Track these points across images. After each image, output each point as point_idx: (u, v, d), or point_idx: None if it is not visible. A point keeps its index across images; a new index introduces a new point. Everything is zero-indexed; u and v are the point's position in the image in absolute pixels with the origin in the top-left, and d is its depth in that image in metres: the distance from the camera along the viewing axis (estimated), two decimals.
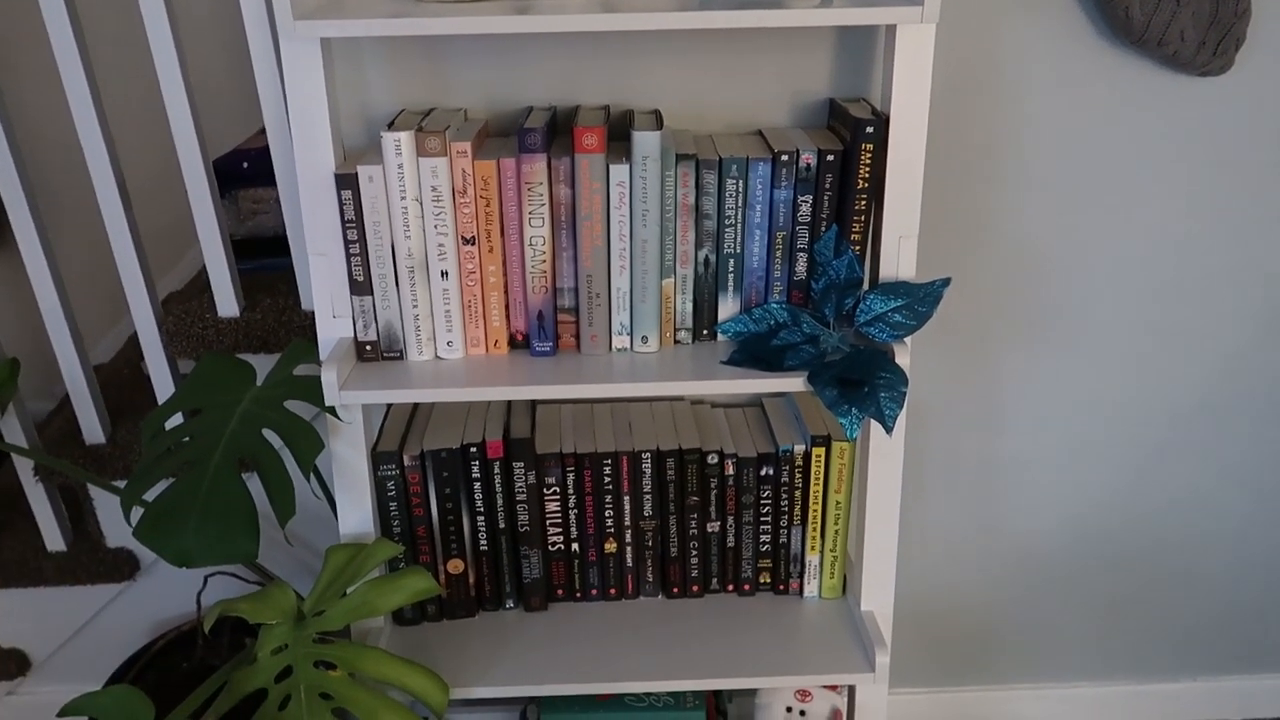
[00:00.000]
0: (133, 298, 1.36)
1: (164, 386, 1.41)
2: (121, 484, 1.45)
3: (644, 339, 1.11)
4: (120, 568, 1.51)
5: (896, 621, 1.54)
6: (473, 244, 1.06)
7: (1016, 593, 1.54)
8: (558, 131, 1.13)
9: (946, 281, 1.06)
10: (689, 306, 1.12)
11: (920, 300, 1.06)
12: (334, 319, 1.09)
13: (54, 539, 1.51)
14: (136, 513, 1.24)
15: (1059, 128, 1.23)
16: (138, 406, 1.55)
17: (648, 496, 1.20)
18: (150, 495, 1.10)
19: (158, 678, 1.39)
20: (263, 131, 1.59)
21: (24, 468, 1.47)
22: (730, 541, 1.24)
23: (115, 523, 1.51)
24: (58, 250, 1.38)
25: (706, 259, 1.09)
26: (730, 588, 1.27)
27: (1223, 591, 1.55)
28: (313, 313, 1.35)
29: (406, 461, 1.15)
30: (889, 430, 1.01)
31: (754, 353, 1.08)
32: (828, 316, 1.09)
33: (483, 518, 1.20)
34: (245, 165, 1.49)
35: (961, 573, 1.52)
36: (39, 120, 2.06)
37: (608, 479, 1.19)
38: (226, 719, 1.04)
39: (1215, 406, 1.41)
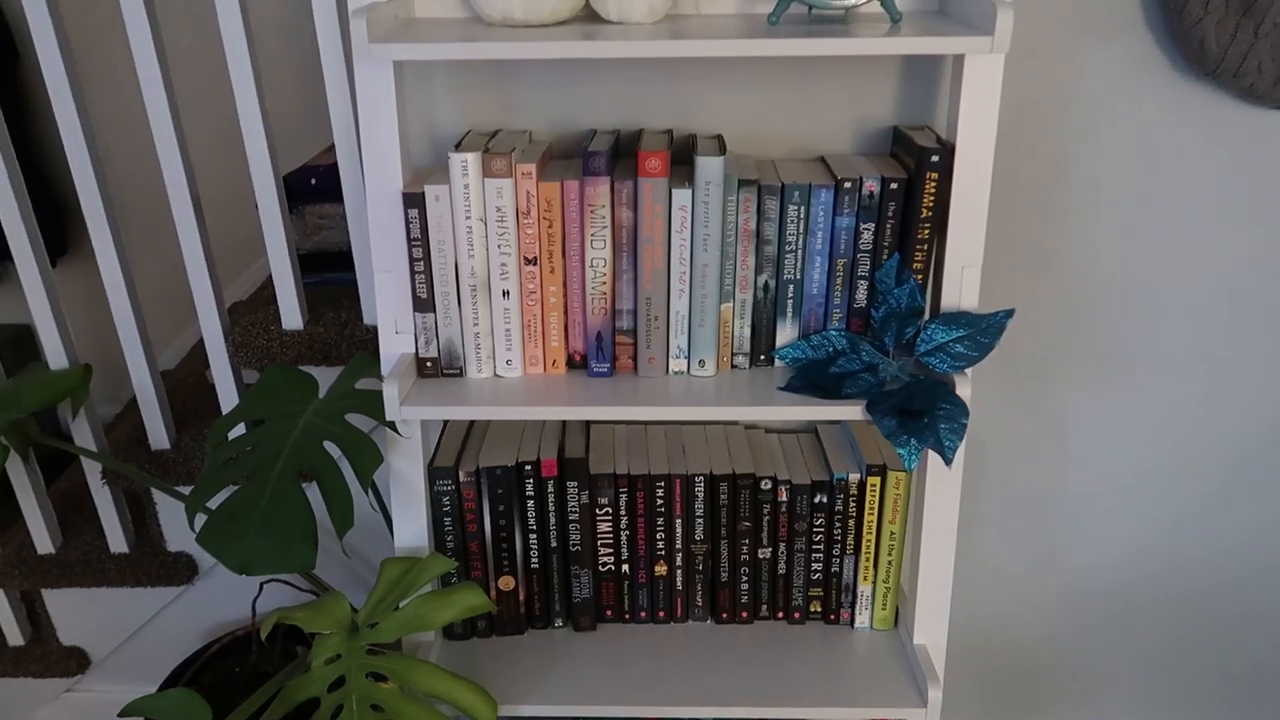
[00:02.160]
0: (202, 309, 1.40)
1: (228, 395, 1.45)
2: (184, 489, 1.48)
3: (701, 363, 1.11)
4: (179, 571, 1.55)
5: (949, 656, 1.52)
6: (535, 264, 1.07)
7: (1073, 629, 1.50)
8: (621, 155, 1.14)
9: (1010, 313, 1.05)
10: (747, 331, 1.11)
11: (983, 331, 1.04)
12: (396, 335, 1.10)
13: (117, 541, 1.55)
14: (199, 519, 1.26)
15: (1128, 159, 1.21)
16: (202, 413, 1.59)
17: (699, 520, 1.20)
18: (213, 502, 1.12)
19: (212, 681, 1.42)
20: (331, 149, 1.63)
21: (92, 470, 1.51)
22: (781, 569, 1.23)
23: (176, 527, 1.54)
24: (130, 260, 1.43)
25: (766, 284, 1.09)
26: (780, 615, 1.26)
27: None
28: (375, 327, 1.37)
29: (462, 477, 1.16)
30: (948, 462, 1.00)
31: (812, 379, 1.08)
32: (887, 345, 1.08)
33: (535, 536, 1.20)
34: (313, 181, 1.53)
35: (1017, 607, 1.49)
36: (115, 132, 2.13)
37: (660, 501, 1.19)
38: None
39: None
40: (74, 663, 1.62)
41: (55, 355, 1.44)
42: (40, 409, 1.35)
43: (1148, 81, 1.17)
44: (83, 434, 1.47)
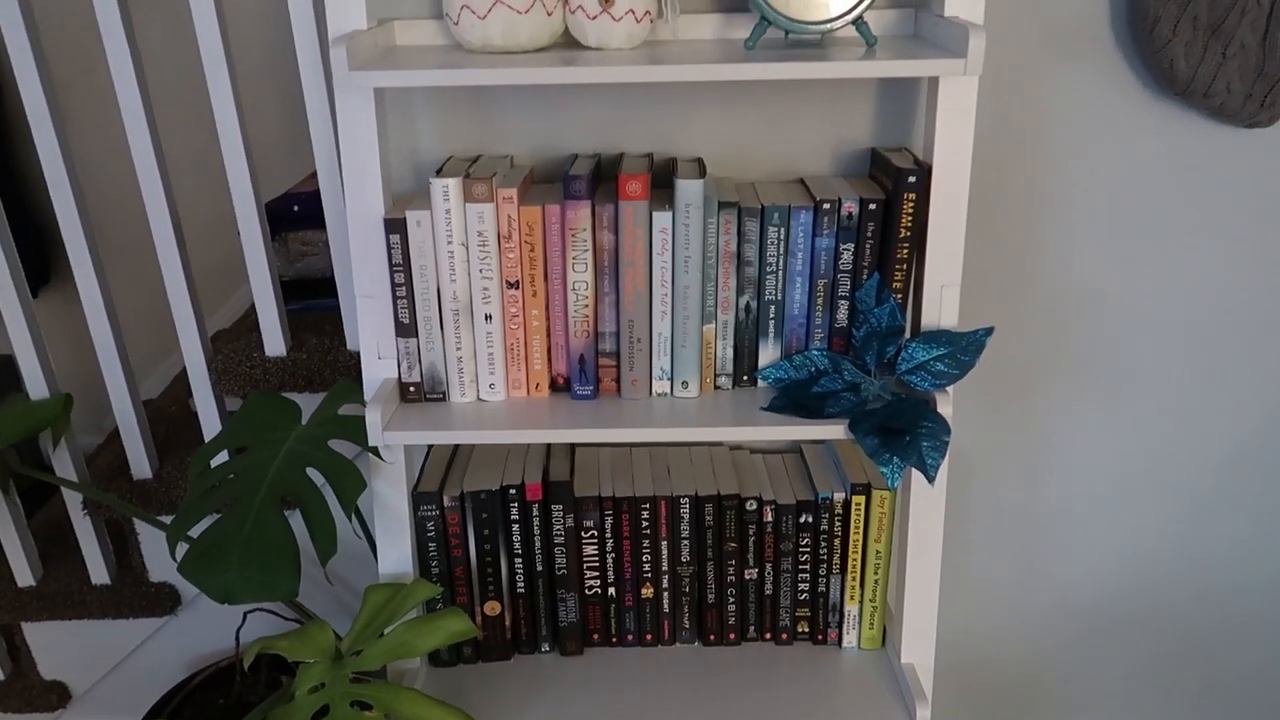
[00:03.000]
0: (184, 336, 1.39)
1: (211, 423, 1.44)
2: (167, 519, 1.47)
3: (684, 384, 1.11)
4: (162, 602, 1.53)
5: (937, 674, 1.51)
6: (517, 288, 1.07)
7: (1061, 645, 1.50)
8: (602, 179, 1.14)
9: (989, 331, 1.06)
10: (730, 352, 1.12)
11: (963, 349, 1.05)
12: (379, 360, 1.10)
13: (99, 572, 1.53)
14: (181, 548, 1.25)
15: (1102, 178, 1.23)
16: (185, 442, 1.58)
17: (685, 542, 1.20)
18: (195, 531, 1.11)
19: (195, 713, 1.40)
20: (313, 175, 1.63)
21: (73, 501, 1.49)
22: (768, 589, 1.23)
23: (158, 557, 1.53)
24: (112, 288, 1.42)
25: (748, 305, 1.10)
26: (768, 636, 1.26)
27: (1276, 647, 1.50)
28: (358, 353, 1.37)
29: (446, 502, 1.16)
30: (931, 480, 1.00)
31: (794, 399, 1.08)
32: (869, 364, 1.08)
33: (520, 560, 1.20)
34: (296, 208, 1.53)
35: (1004, 625, 1.49)
36: (96, 159, 2.13)
37: (646, 524, 1.19)
38: None
39: (1265, 456, 1.38)
40: (55, 697, 1.60)
41: (36, 385, 1.43)
42: (20, 440, 1.34)
43: (1119, 101, 1.19)
44: (63, 464, 1.46)
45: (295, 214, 1.53)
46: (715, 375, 1.13)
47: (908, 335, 1.09)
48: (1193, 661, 1.51)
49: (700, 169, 1.08)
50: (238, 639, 1.38)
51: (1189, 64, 1.12)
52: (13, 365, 2.15)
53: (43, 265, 2.19)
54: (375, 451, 1.08)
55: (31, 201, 2.15)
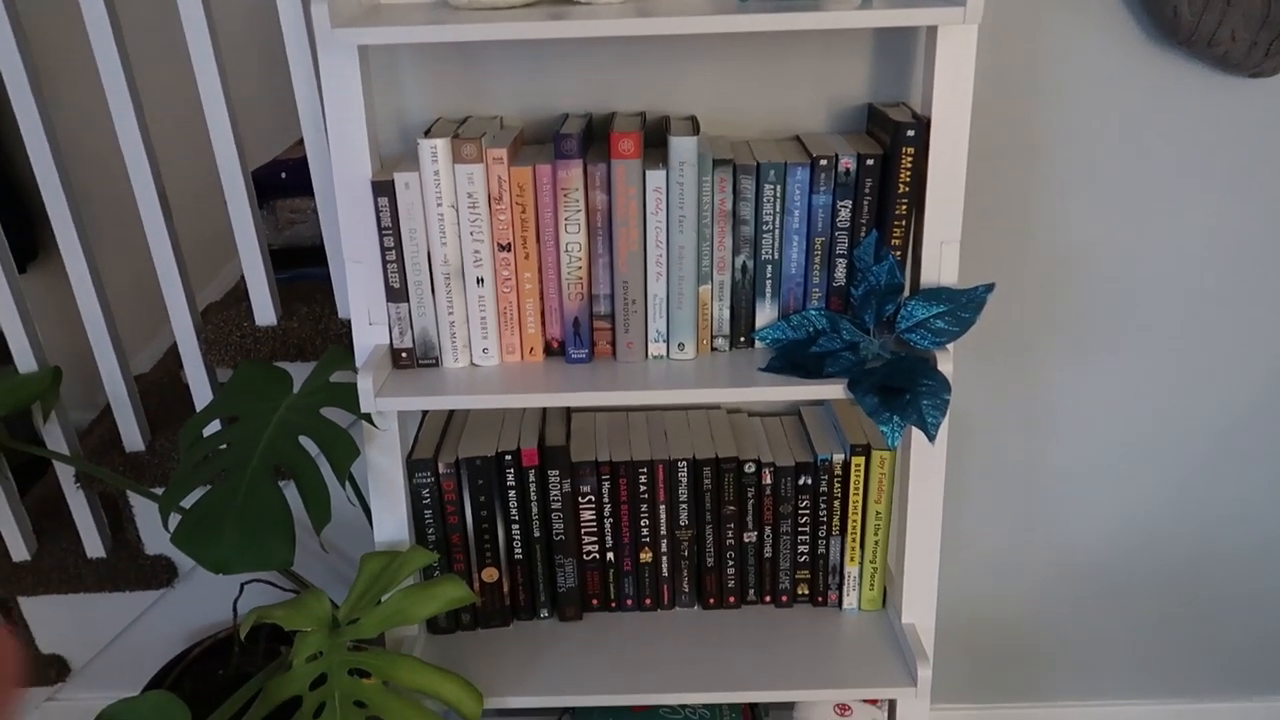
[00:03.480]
0: (173, 307, 1.37)
1: (203, 395, 1.42)
2: (161, 491, 1.46)
3: (680, 346, 1.10)
4: (158, 575, 1.53)
5: (938, 635, 1.51)
6: (508, 251, 1.06)
7: (1062, 606, 1.50)
8: (594, 138, 1.12)
9: (990, 287, 1.04)
10: (726, 313, 1.10)
11: (963, 306, 1.04)
12: (370, 326, 1.09)
13: (94, 546, 1.53)
14: (175, 520, 1.24)
15: (1105, 130, 1.20)
16: (177, 415, 1.56)
17: (684, 506, 1.19)
18: (188, 502, 1.10)
19: (194, 684, 1.39)
20: (300, 142, 1.61)
21: (65, 475, 1.48)
22: (768, 552, 1.22)
23: (154, 530, 1.52)
24: (99, 261, 1.40)
25: (744, 265, 1.08)
26: (767, 599, 1.25)
27: (1277, 609, 1.50)
28: (349, 321, 1.35)
29: (441, 469, 1.15)
30: (932, 438, 0.99)
31: (792, 360, 1.07)
32: (868, 323, 1.07)
33: (517, 526, 1.19)
34: (283, 175, 1.50)
35: (1005, 585, 1.48)
36: (80, 132, 2.10)
37: (643, 488, 1.18)
38: None
39: (1265, 416, 1.37)
40: (53, 671, 1.60)
41: (24, 359, 1.41)
42: (10, 413, 1.32)
43: (1121, 51, 1.16)
44: (55, 438, 1.45)
45: (283, 181, 1.50)
46: (712, 337, 1.11)
47: (907, 293, 1.08)
48: (1193, 623, 1.51)
49: (694, 126, 1.05)
50: (235, 610, 1.37)
51: (1193, 12, 1.09)
52: (1, 341, 2.14)
53: (30, 240, 2.16)
54: (368, 418, 1.07)
55: (16, 176, 2.12)
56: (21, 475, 1.56)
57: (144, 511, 1.51)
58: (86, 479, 1.47)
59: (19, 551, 1.53)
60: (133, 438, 1.48)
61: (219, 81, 1.25)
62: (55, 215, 1.33)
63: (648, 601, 1.25)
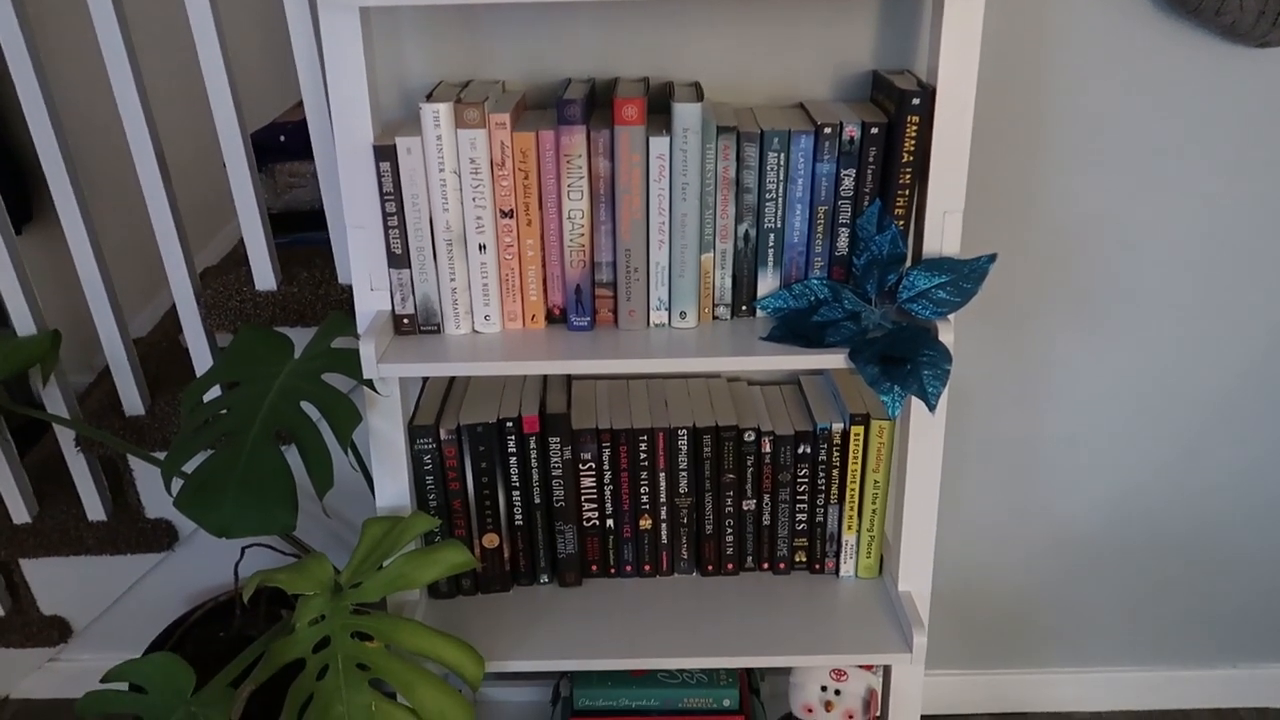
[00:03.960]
0: (171, 271, 1.37)
1: (202, 359, 1.42)
2: (160, 455, 1.47)
3: (682, 314, 1.10)
4: (159, 538, 1.53)
5: (933, 602, 1.53)
6: (511, 217, 1.05)
7: (1056, 575, 1.52)
8: (597, 104, 1.11)
9: (992, 258, 1.04)
10: (728, 282, 1.10)
11: (965, 277, 1.04)
12: (371, 292, 1.08)
13: (95, 509, 1.53)
14: (177, 484, 1.25)
15: (1110, 100, 1.20)
16: (176, 379, 1.56)
17: (683, 473, 1.20)
18: (190, 467, 1.10)
19: (195, 647, 1.41)
20: (300, 105, 1.59)
21: (65, 439, 1.49)
22: (766, 520, 1.23)
23: (154, 493, 1.53)
24: (97, 224, 1.39)
25: (746, 234, 1.08)
26: (765, 566, 1.27)
27: (1268, 577, 1.52)
28: (350, 286, 1.35)
29: (443, 435, 1.15)
30: (932, 408, 1.00)
31: (794, 329, 1.07)
32: (869, 293, 1.07)
33: (518, 492, 1.19)
34: (282, 139, 1.49)
35: (1001, 554, 1.50)
36: (78, 94, 2.08)
37: (643, 455, 1.18)
38: (264, 688, 1.05)
39: (1261, 388, 1.38)
40: (55, 632, 1.61)
41: (22, 322, 1.40)
42: (9, 376, 1.32)
43: (1128, 20, 1.15)
44: (54, 401, 1.45)
45: (282, 144, 1.49)
46: (714, 305, 1.11)
47: (909, 263, 1.07)
48: (1188, 593, 1.53)
49: (698, 93, 1.05)
50: (236, 573, 1.38)
51: None
52: None
53: (24, 202, 2.14)
54: (370, 384, 1.07)
55: (12, 137, 2.10)
56: (19, 437, 1.56)
57: (144, 475, 1.52)
58: (87, 442, 1.48)
59: (20, 514, 1.54)
60: (133, 402, 1.48)
61: (218, 44, 1.24)
62: (53, 179, 1.32)
63: (647, 568, 1.26)
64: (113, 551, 1.54)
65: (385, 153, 1.02)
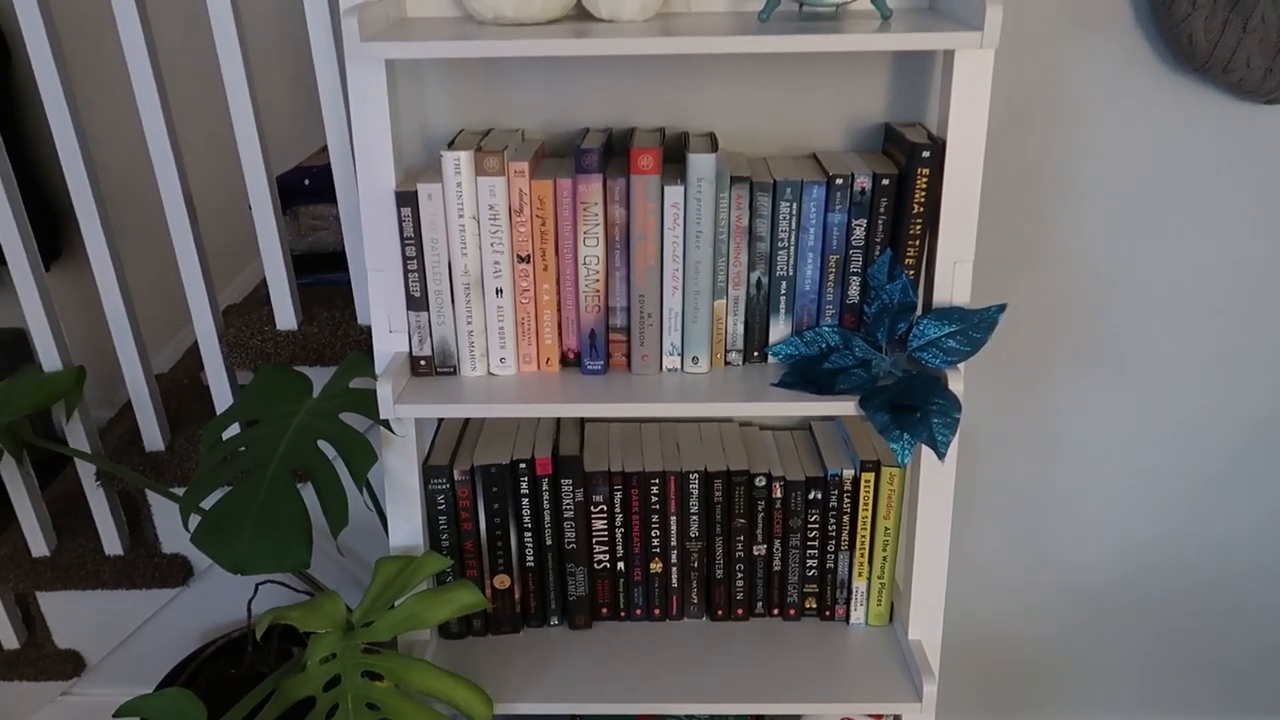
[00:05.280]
0: (195, 309, 1.40)
1: (223, 396, 1.45)
2: (179, 491, 1.48)
3: (695, 359, 1.11)
4: (175, 573, 1.55)
5: (944, 651, 1.52)
6: (528, 262, 1.07)
7: (1066, 625, 1.51)
8: (613, 153, 1.14)
9: (1002, 308, 1.05)
10: (740, 328, 1.12)
11: (975, 326, 1.05)
12: (390, 334, 1.10)
13: (112, 543, 1.55)
14: (194, 520, 1.26)
15: (1118, 154, 1.22)
16: (197, 415, 1.58)
17: (694, 517, 1.20)
18: (208, 503, 1.12)
19: (208, 683, 1.41)
20: (324, 149, 1.63)
21: (86, 473, 1.51)
22: (776, 565, 1.23)
23: (171, 529, 1.54)
24: (123, 261, 1.43)
25: (759, 281, 1.10)
26: (775, 612, 1.27)
27: (1278, 630, 1.50)
28: (369, 327, 1.37)
29: (457, 476, 1.16)
30: (942, 456, 1.00)
31: (805, 375, 1.08)
32: (880, 341, 1.08)
33: (530, 534, 1.20)
34: (307, 182, 1.53)
35: (1011, 603, 1.49)
36: (108, 134, 2.13)
37: (655, 499, 1.19)
38: None
39: (1275, 439, 1.37)
40: (69, 666, 1.62)
41: (49, 358, 1.43)
42: (34, 411, 1.35)
43: (1137, 77, 1.17)
44: (76, 436, 1.47)
45: (306, 188, 1.53)
46: (726, 351, 1.13)
47: (919, 312, 1.09)
48: (1200, 644, 1.51)
49: (712, 143, 1.07)
50: (249, 610, 1.39)
51: (1209, 38, 1.10)
52: (26, 339, 2.17)
53: (54, 240, 2.19)
54: (386, 424, 1.09)
55: (43, 176, 2.15)
56: (40, 471, 1.58)
57: (162, 510, 1.53)
58: (107, 477, 1.50)
59: (39, 547, 1.55)
60: (153, 438, 1.50)
61: (247, 89, 1.27)
62: (84, 218, 1.36)
63: (657, 611, 1.26)
64: (128, 586, 1.55)
65: (407, 198, 1.04)
